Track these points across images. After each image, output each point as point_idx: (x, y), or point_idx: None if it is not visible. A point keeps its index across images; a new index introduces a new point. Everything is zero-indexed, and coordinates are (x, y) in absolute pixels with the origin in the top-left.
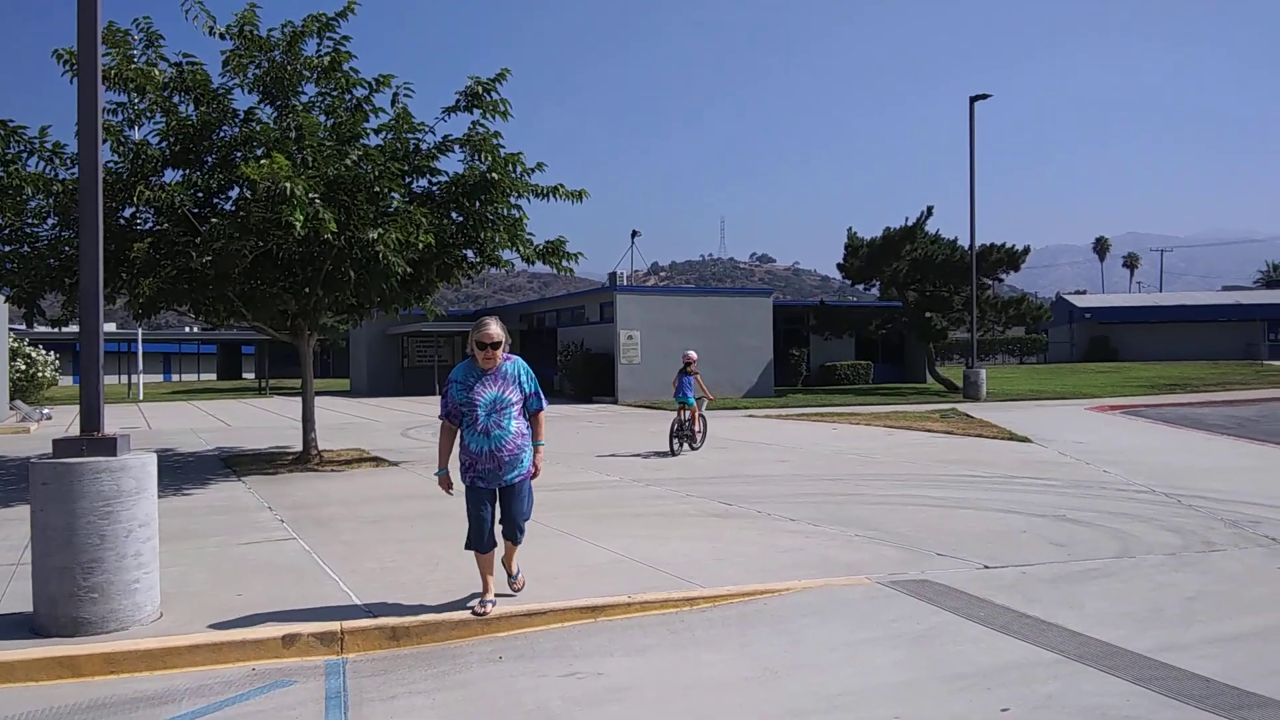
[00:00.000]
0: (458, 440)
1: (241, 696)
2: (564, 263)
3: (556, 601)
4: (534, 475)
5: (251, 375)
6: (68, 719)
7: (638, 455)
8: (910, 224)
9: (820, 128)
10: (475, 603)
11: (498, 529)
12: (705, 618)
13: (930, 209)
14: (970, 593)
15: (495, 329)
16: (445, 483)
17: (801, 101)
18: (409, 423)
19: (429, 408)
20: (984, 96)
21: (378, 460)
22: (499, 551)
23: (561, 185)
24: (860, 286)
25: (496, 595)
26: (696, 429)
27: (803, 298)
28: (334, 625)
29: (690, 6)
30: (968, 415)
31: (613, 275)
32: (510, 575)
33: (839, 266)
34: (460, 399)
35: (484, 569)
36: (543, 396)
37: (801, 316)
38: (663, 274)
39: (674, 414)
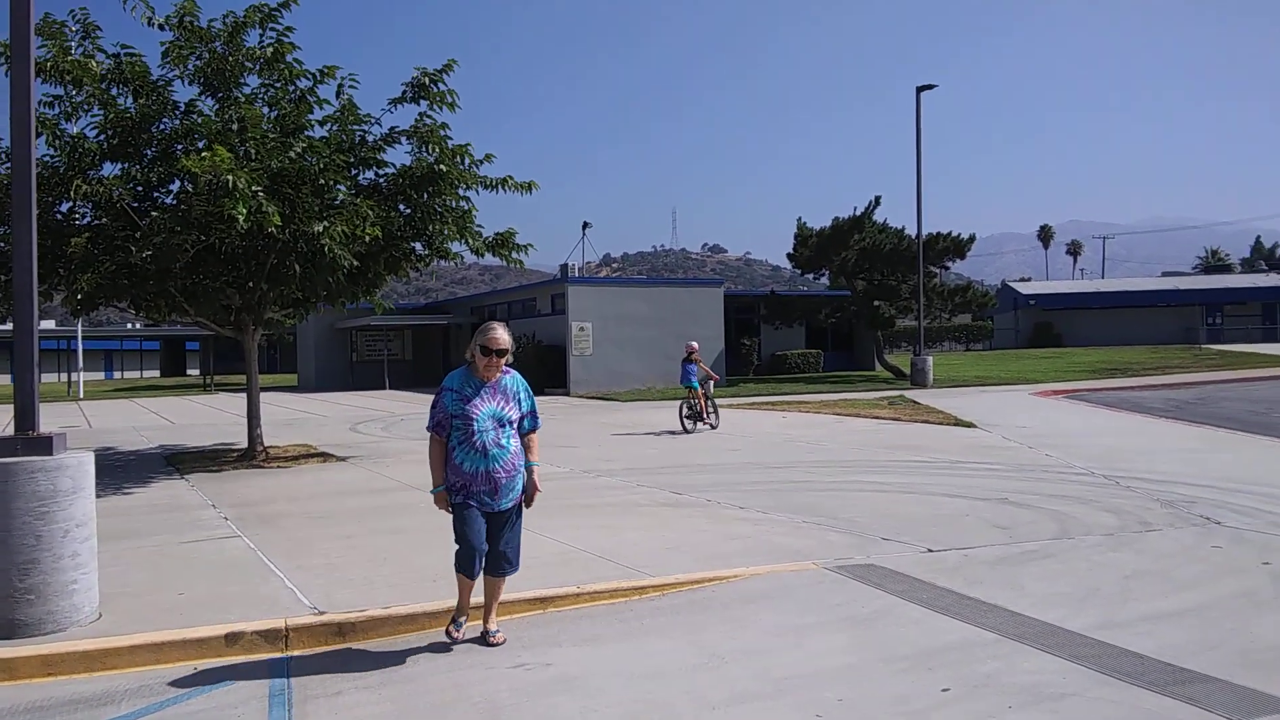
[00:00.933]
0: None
1: (183, 696)
2: (513, 254)
3: (506, 594)
4: (530, 501)
5: (196, 372)
6: None
7: (587, 447)
8: (859, 214)
9: (773, 120)
10: (450, 625)
11: None
12: (654, 606)
13: (878, 199)
14: (914, 576)
15: (504, 335)
16: (444, 500)
17: (754, 94)
18: (358, 417)
19: (379, 402)
20: (930, 87)
21: (325, 456)
22: (479, 585)
23: (510, 177)
24: (810, 276)
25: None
26: (707, 409)
27: (754, 287)
28: (279, 622)
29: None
30: (915, 402)
31: (564, 267)
32: (488, 630)
33: (789, 256)
34: (454, 410)
35: (465, 591)
36: (538, 416)
37: (753, 306)
38: (615, 265)
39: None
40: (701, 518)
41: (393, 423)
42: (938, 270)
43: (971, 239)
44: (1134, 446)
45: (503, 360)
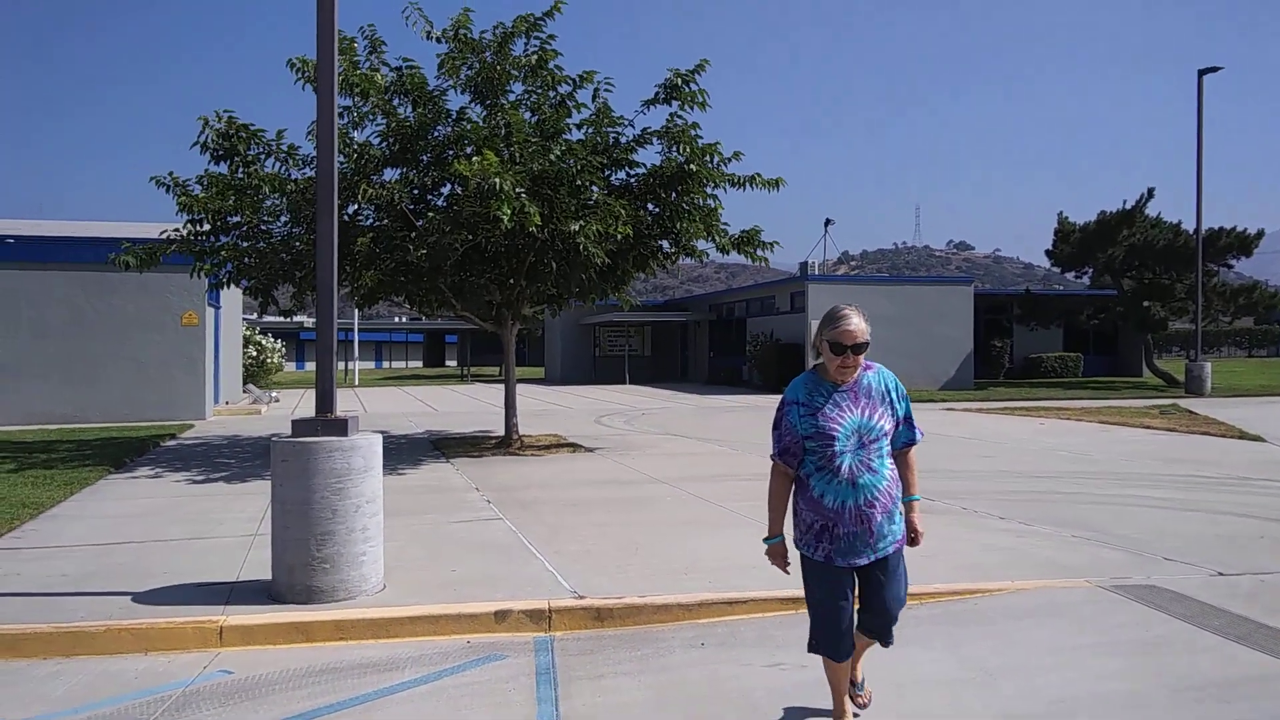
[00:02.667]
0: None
1: (458, 668)
2: (759, 252)
3: (758, 591)
4: (914, 541)
5: (454, 363)
6: (302, 681)
7: None
8: (1128, 207)
9: (1026, 109)
10: None
11: None
12: (912, 615)
13: (1151, 191)
14: (1203, 600)
15: (859, 324)
16: (782, 556)
17: (1005, 83)
18: (602, 410)
19: (620, 396)
20: (1214, 69)
21: (574, 446)
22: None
23: (758, 175)
24: (1070, 274)
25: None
26: None
27: (1003, 286)
28: (542, 603)
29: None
30: (1191, 411)
31: (804, 265)
32: (854, 683)
33: (1047, 253)
34: (807, 429)
35: (838, 681)
36: (917, 425)
37: (1004, 306)
38: (854, 263)
39: None
40: (958, 526)
41: (634, 416)
42: (1218, 269)
43: (1259, 235)
44: None
45: (860, 357)
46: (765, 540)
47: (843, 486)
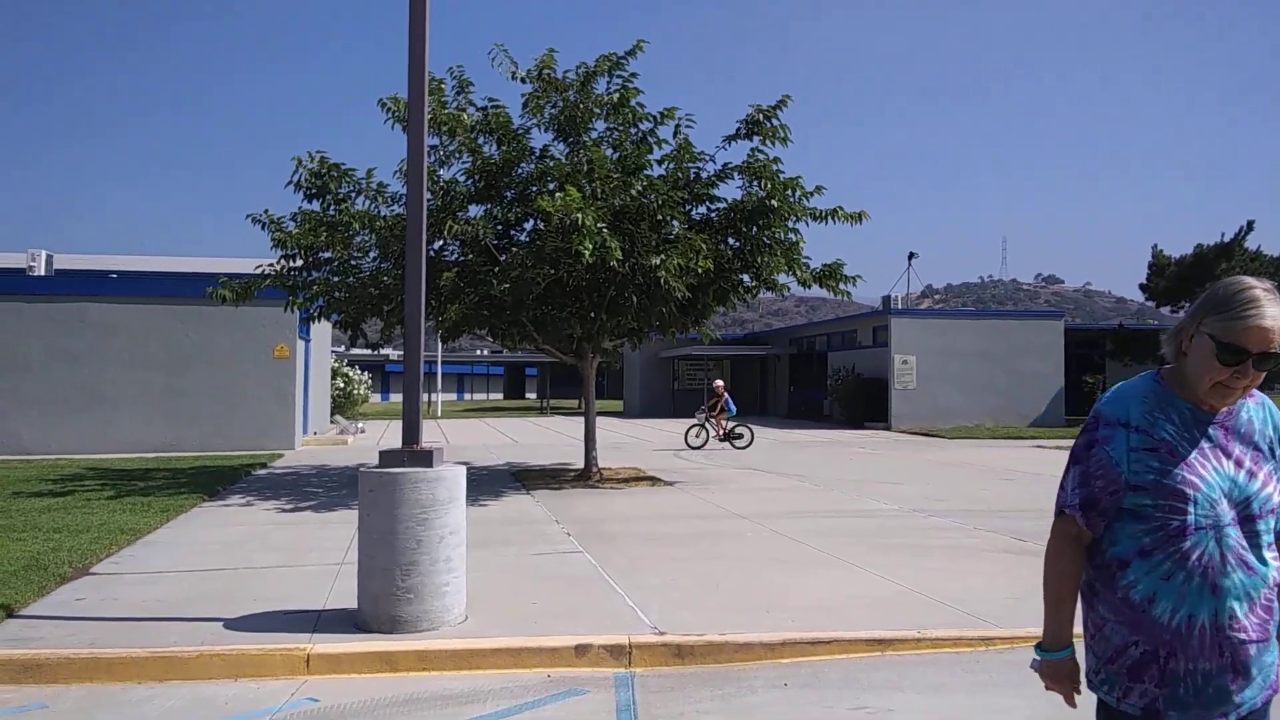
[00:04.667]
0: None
1: (539, 701)
2: (841, 286)
3: (841, 631)
4: None
5: (534, 395)
6: (386, 712)
7: (914, 484)
8: (1226, 240)
9: (1117, 136)
10: None
11: None
12: (1003, 660)
13: (1250, 224)
14: None
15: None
16: (1069, 678)
17: (1095, 110)
18: (681, 444)
19: None
20: None
21: (654, 479)
22: None
23: (840, 208)
24: (1165, 309)
25: None
26: (739, 431)
27: (1095, 320)
28: (623, 638)
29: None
30: None
31: (886, 298)
32: None
33: (1141, 287)
34: (1141, 475)
35: None
36: None
37: (1096, 341)
38: (937, 296)
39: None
40: None
41: (713, 451)
42: None
43: None
44: None
45: (1262, 375)
46: (1041, 652)
47: (1194, 588)
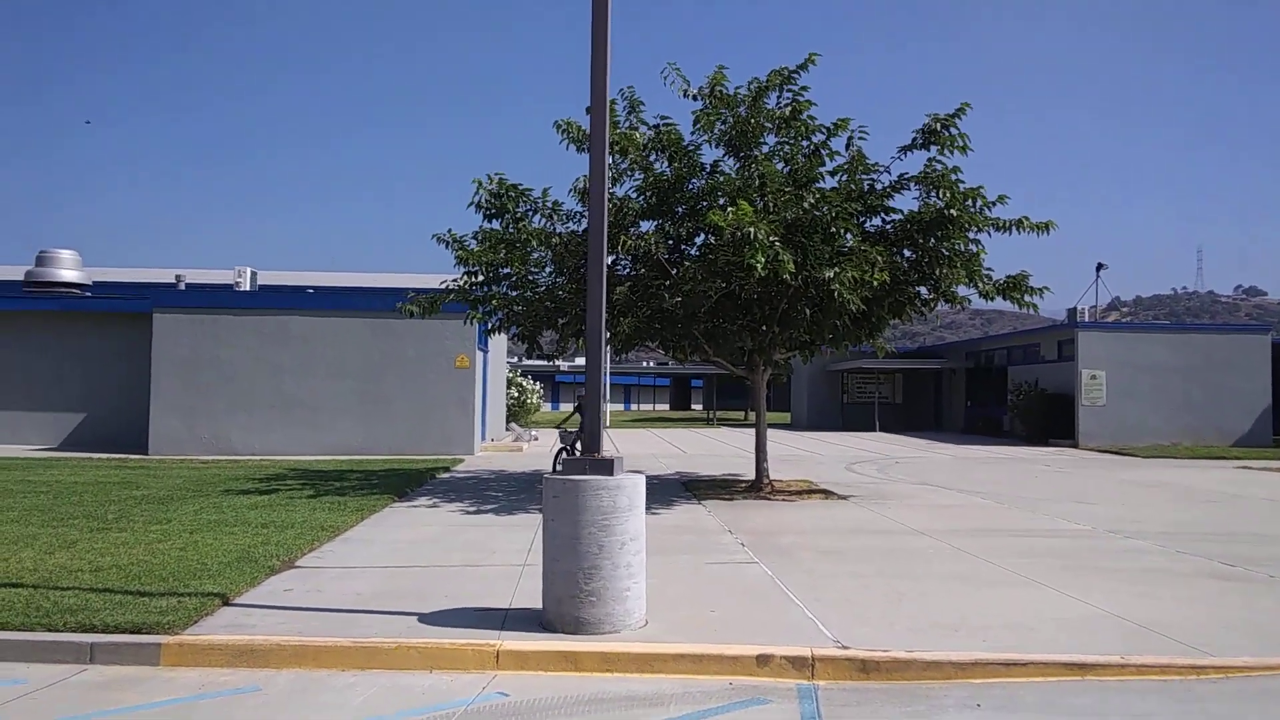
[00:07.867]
0: None
1: (723, 708)
2: (1027, 297)
3: (1038, 654)
4: None
5: (699, 406)
6: (573, 709)
7: (1106, 505)
8: None
9: None
10: None
11: None
12: (1217, 689)
13: None
14: None
15: None
16: None
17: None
18: (852, 457)
19: (870, 443)
20: None
21: (826, 493)
22: None
23: (1026, 218)
24: None
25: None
26: None
27: None
28: (805, 650)
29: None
30: None
31: (1072, 311)
32: None
33: None
34: None
35: None
36: None
37: None
38: (1125, 309)
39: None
40: (1267, 597)
41: (887, 465)
42: None
43: None
44: None
45: None
46: None
47: None
